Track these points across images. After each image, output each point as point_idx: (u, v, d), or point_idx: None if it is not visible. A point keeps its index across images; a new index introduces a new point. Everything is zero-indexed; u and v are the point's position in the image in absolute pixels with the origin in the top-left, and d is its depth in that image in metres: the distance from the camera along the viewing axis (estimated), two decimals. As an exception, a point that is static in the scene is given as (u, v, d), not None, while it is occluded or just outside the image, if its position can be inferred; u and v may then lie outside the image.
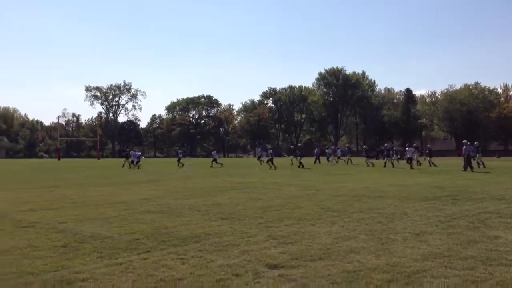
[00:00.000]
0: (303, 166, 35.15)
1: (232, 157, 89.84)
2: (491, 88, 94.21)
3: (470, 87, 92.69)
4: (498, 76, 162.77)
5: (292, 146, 43.41)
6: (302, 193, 15.19)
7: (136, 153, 37.73)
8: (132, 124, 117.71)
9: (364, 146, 52.44)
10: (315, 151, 48.36)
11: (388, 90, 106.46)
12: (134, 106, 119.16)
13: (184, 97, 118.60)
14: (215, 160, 40.13)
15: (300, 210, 11.04)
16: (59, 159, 71.06)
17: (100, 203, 12.73)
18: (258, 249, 6.86)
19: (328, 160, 47.03)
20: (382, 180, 20.54)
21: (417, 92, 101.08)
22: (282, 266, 5.91)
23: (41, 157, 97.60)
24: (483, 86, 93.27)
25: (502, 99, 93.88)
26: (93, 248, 7.00)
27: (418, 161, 36.33)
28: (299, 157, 36.69)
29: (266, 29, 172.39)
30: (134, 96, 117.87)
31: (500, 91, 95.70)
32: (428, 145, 42.57)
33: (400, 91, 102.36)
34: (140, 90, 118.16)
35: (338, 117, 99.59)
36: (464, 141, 28.26)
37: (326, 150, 51.76)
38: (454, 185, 17.35)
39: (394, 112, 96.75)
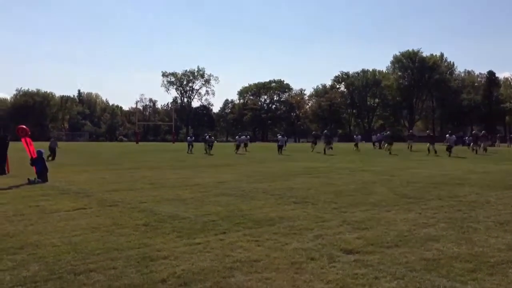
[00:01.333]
0: (327, 151, 34.19)
1: (304, 142, 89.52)
2: None
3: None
4: None
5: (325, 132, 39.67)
6: (376, 178, 14.89)
7: (209, 138, 38.75)
8: (205, 109, 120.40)
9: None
10: (355, 138, 45.84)
11: (468, 73, 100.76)
12: (207, 91, 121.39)
13: (256, 82, 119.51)
14: (280, 148, 34.99)
15: (374, 196, 10.84)
16: (137, 143, 74.32)
17: (177, 185, 13.21)
18: (333, 234, 6.84)
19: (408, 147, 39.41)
20: (461, 167, 19.65)
21: (501, 75, 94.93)
22: (358, 252, 5.87)
23: (121, 140, 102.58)
24: None
25: None
26: (172, 227, 7.30)
27: (485, 148, 34.41)
28: (326, 144, 35.11)
29: (338, 12, 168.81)
30: (207, 81, 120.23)
31: None
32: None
33: (482, 73, 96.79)
34: (213, 76, 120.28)
35: (413, 102, 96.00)
36: None
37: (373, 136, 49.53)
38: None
39: (474, 96, 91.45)
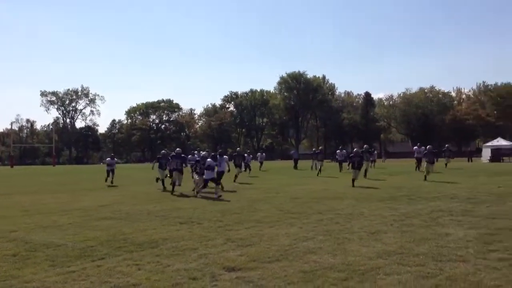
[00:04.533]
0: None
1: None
2: (445, 92, 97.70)
3: (426, 90, 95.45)
4: (452, 80, 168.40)
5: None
6: (262, 196, 15.23)
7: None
8: (90, 130, 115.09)
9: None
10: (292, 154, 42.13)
11: (348, 94, 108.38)
12: (92, 111, 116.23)
13: (144, 102, 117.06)
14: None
15: (259, 213, 11.07)
16: (12, 166, 68.60)
17: (54, 211, 12.36)
18: (216, 252, 6.84)
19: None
20: (341, 182, 20.85)
21: (376, 96, 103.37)
22: (240, 269, 5.92)
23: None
24: (437, 90, 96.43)
25: (455, 102, 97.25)
26: (45, 256, 6.80)
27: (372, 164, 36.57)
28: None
29: (226, 33, 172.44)
30: (92, 101, 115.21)
31: (453, 94, 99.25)
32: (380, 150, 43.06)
33: (359, 94, 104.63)
34: (98, 95, 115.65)
35: (299, 121, 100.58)
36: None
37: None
38: (410, 185, 17.79)
39: (353, 115, 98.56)
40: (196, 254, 6.75)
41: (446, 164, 30.54)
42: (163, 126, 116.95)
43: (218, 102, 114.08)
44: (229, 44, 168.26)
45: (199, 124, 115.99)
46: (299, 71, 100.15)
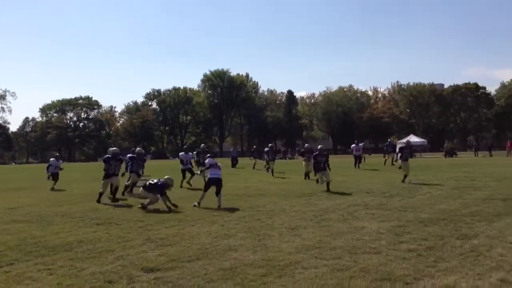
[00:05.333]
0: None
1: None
2: (363, 91, 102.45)
3: (345, 89, 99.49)
4: (369, 79, 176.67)
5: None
6: (185, 194, 15.05)
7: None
8: (0, 128, 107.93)
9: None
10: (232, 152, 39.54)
11: (271, 92, 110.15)
12: (2, 108, 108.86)
13: (60, 99, 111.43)
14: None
15: (181, 211, 10.91)
16: None
17: (-42, 215, 11.42)
18: (135, 253, 6.66)
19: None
20: (263, 179, 21.10)
21: (298, 94, 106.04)
22: (159, 269, 5.80)
23: None
24: (356, 89, 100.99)
25: (372, 100, 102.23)
26: None
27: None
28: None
29: (148, 30, 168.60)
30: (2, 97, 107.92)
31: (370, 93, 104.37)
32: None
33: (282, 92, 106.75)
34: (9, 91, 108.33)
35: (223, 119, 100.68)
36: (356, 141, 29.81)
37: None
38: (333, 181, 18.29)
39: (277, 113, 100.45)
40: (113, 256, 6.52)
41: (385, 161, 29.89)
42: (81, 124, 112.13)
43: (140, 100, 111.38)
44: (151, 41, 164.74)
45: (120, 122, 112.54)
46: (222, 69, 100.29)
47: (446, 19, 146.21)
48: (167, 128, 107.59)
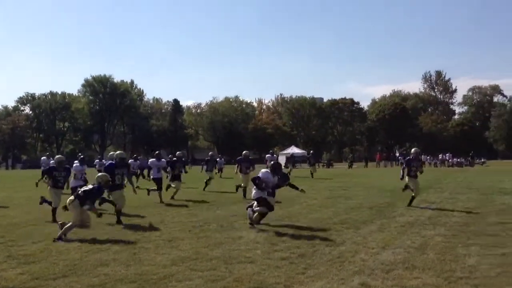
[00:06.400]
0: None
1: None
2: (248, 102, 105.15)
3: (231, 99, 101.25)
4: (255, 90, 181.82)
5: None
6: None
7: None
8: None
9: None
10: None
11: (156, 100, 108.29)
12: None
13: None
14: None
15: (51, 225, 10.16)
16: None
17: None
18: (-8, 273, 6.04)
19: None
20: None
21: (185, 103, 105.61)
22: (18, 289, 5.32)
23: None
24: (242, 100, 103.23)
25: (257, 112, 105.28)
26: None
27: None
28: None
29: (26, 28, 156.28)
30: None
31: (255, 104, 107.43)
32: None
33: (169, 101, 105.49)
34: None
35: (105, 127, 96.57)
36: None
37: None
38: (214, 191, 18.34)
39: (162, 122, 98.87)
40: (-35, 278, 5.86)
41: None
42: None
43: (11, 104, 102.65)
44: (25, 42, 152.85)
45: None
46: (105, 75, 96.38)
47: (325, 36, 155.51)
48: (41, 135, 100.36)
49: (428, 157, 54.60)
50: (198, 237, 8.42)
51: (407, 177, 12.58)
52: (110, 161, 13.37)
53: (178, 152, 17.68)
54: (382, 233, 8.57)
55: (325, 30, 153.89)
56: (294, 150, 58.17)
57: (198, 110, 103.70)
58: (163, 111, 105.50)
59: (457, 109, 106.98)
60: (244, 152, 17.05)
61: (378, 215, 10.98)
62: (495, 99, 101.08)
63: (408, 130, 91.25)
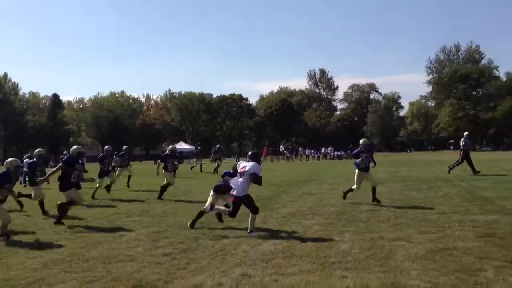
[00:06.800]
0: None
1: None
2: (135, 97, 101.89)
3: (117, 95, 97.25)
4: (143, 86, 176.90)
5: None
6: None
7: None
8: None
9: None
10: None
11: (33, 95, 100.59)
12: None
13: None
14: None
15: None
16: None
17: None
18: None
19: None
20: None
21: (66, 98, 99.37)
22: None
23: None
24: (128, 95, 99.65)
25: (145, 107, 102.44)
26: None
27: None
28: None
29: None
30: None
31: (143, 100, 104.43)
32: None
33: (47, 96, 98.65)
34: None
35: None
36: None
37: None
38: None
39: (40, 118, 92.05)
40: None
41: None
42: None
43: None
44: None
45: None
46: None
47: (216, 33, 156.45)
48: None
49: (312, 151, 57.49)
50: (76, 237, 7.97)
51: (357, 170, 11.69)
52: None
53: (106, 146, 16.57)
54: (264, 224, 8.80)
55: (217, 30, 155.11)
56: (182, 145, 57.74)
57: (81, 105, 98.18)
58: (41, 106, 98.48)
59: (339, 105, 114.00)
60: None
61: (262, 207, 11.22)
62: (371, 96, 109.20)
63: (294, 125, 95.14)
